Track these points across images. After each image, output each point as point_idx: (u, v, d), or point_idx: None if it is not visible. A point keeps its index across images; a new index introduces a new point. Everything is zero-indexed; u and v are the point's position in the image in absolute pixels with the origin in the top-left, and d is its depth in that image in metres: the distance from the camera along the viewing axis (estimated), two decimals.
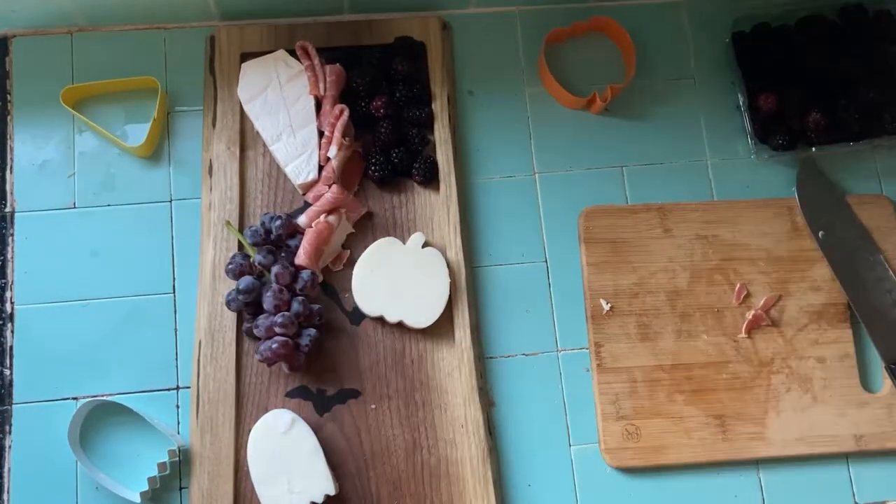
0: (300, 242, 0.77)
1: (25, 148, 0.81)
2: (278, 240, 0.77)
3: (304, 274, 0.75)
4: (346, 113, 0.79)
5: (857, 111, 0.84)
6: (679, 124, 0.87)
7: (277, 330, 0.72)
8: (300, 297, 0.74)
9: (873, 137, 0.84)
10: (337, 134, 0.78)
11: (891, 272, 0.82)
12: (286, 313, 0.73)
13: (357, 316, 0.78)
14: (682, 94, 0.88)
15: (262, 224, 0.77)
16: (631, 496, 0.76)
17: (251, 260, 0.76)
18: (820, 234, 0.83)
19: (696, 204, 0.84)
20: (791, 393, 0.79)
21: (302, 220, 0.78)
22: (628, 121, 0.87)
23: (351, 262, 0.78)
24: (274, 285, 0.74)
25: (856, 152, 0.86)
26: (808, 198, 0.84)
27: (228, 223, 0.78)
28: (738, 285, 0.82)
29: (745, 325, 0.80)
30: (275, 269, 0.74)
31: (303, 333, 0.74)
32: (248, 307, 0.75)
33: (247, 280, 0.74)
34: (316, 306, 0.76)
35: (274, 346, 0.72)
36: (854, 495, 0.78)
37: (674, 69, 0.89)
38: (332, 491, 0.71)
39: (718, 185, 0.86)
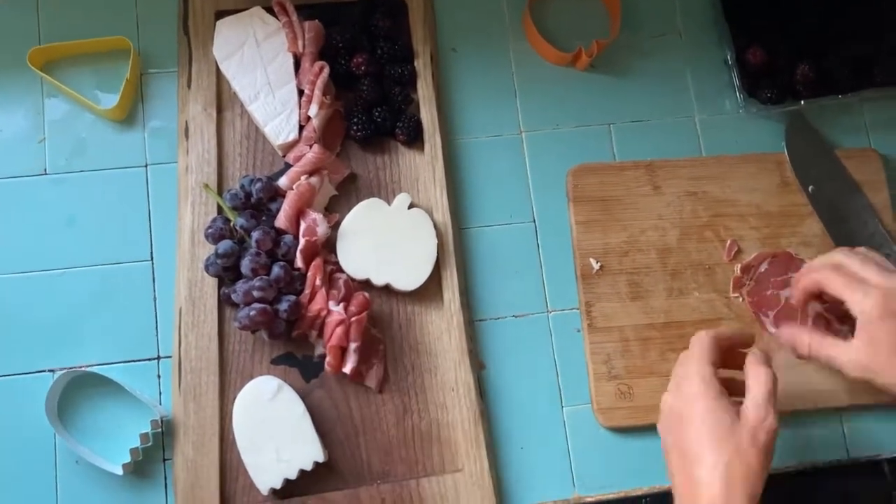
0: (282, 206, 0.74)
1: None
2: (259, 203, 0.75)
3: (287, 238, 0.73)
4: (327, 70, 0.77)
5: (845, 64, 0.83)
6: (666, 80, 0.86)
7: (256, 295, 0.70)
8: (281, 262, 0.72)
9: (862, 90, 0.83)
10: (317, 92, 0.75)
11: (881, 226, 0.81)
12: (265, 277, 0.71)
13: None
14: (668, 49, 0.87)
15: (242, 187, 0.74)
16: (624, 456, 0.75)
17: (232, 224, 0.73)
18: (810, 188, 0.82)
19: (685, 160, 0.83)
20: (785, 348, 0.78)
21: (283, 182, 0.76)
22: (615, 77, 0.85)
23: (335, 225, 0.76)
24: (252, 248, 0.71)
25: (845, 106, 0.85)
26: (798, 152, 0.83)
27: (207, 186, 0.75)
28: (729, 241, 0.81)
29: (731, 285, 0.80)
30: (255, 234, 0.72)
31: (282, 299, 0.72)
32: (227, 272, 0.73)
33: (225, 244, 0.71)
34: (297, 272, 0.73)
35: (251, 313, 0.70)
36: (847, 450, 0.77)
37: (660, 24, 0.87)
38: (321, 458, 0.69)
39: (707, 140, 0.84)
